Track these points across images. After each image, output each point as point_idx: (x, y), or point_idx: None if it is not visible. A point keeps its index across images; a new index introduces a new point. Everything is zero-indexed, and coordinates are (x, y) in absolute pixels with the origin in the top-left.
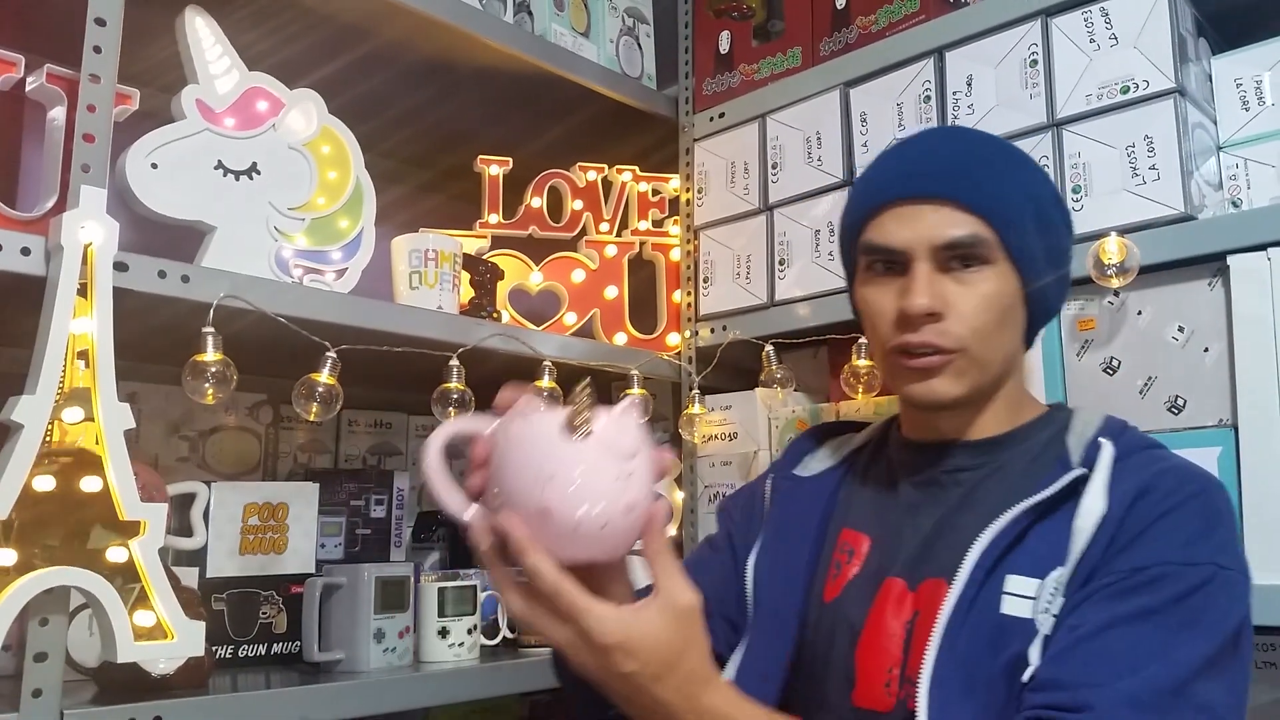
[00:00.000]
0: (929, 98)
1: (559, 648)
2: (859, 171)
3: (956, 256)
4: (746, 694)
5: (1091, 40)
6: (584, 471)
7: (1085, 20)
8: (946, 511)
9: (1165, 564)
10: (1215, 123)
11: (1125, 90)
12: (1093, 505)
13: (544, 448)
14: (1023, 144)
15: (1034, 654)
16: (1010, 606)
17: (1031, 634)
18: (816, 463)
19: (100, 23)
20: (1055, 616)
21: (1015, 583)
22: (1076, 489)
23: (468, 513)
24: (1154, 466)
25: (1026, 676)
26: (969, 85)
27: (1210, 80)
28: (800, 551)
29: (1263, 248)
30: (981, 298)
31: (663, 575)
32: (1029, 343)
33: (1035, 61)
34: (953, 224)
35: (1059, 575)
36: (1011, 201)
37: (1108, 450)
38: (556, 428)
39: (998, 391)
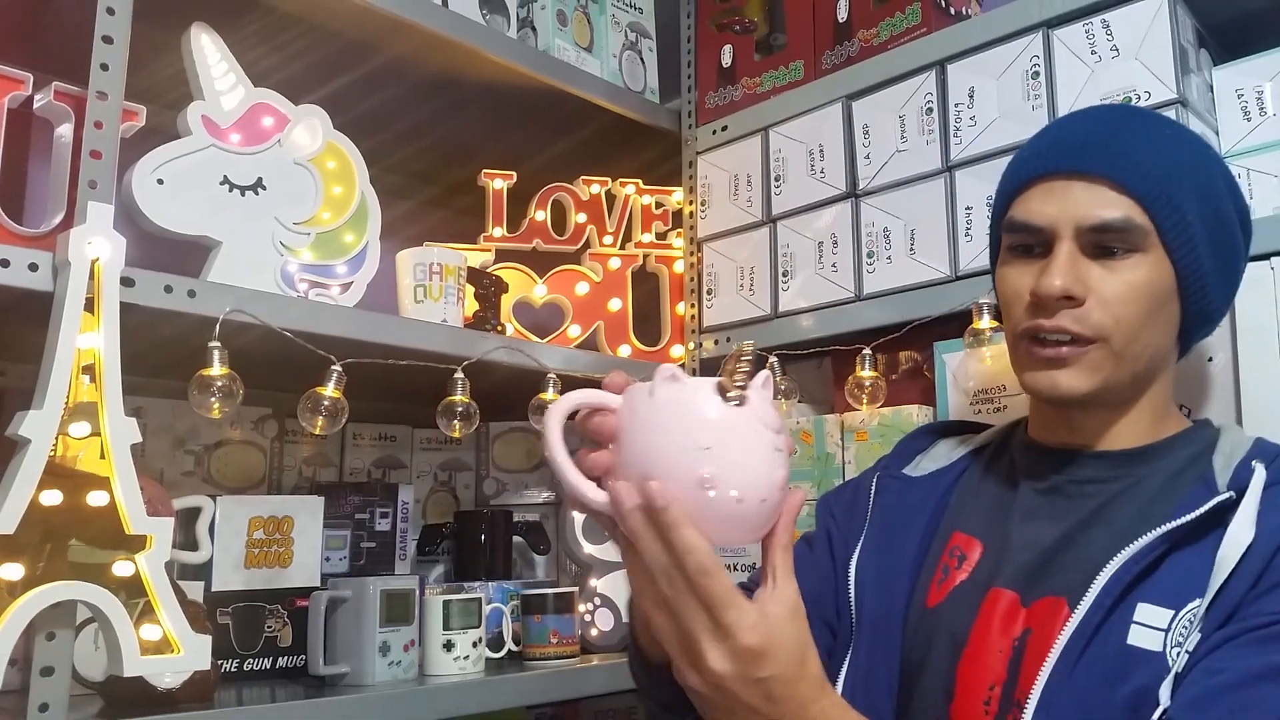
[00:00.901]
0: (931, 110)
1: (686, 645)
2: (861, 184)
3: (1105, 240)
4: (861, 706)
5: (1093, 52)
6: (745, 442)
7: (1086, 32)
8: (1072, 525)
9: None
10: (1217, 133)
11: (1127, 101)
12: (1239, 534)
13: (702, 413)
14: None
15: (1164, 693)
16: (1138, 637)
17: (1161, 669)
18: (929, 462)
19: (107, 40)
20: (1189, 653)
21: (1146, 612)
22: (1222, 515)
23: (598, 495)
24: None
25: (1155, 717)
26: (971, 97)
27: (1211, 91)
28: (906, 553)
29: (1266, 257)
30: (1129, 285)
31: (783, 570)
32: (1184, 349)
33: (1037, 73)
34: (1104, 204)
35: (1195, 607)
36: (1173, 185)
37: (1260, 475)
38: (712, 393)
39: (1140, 397)
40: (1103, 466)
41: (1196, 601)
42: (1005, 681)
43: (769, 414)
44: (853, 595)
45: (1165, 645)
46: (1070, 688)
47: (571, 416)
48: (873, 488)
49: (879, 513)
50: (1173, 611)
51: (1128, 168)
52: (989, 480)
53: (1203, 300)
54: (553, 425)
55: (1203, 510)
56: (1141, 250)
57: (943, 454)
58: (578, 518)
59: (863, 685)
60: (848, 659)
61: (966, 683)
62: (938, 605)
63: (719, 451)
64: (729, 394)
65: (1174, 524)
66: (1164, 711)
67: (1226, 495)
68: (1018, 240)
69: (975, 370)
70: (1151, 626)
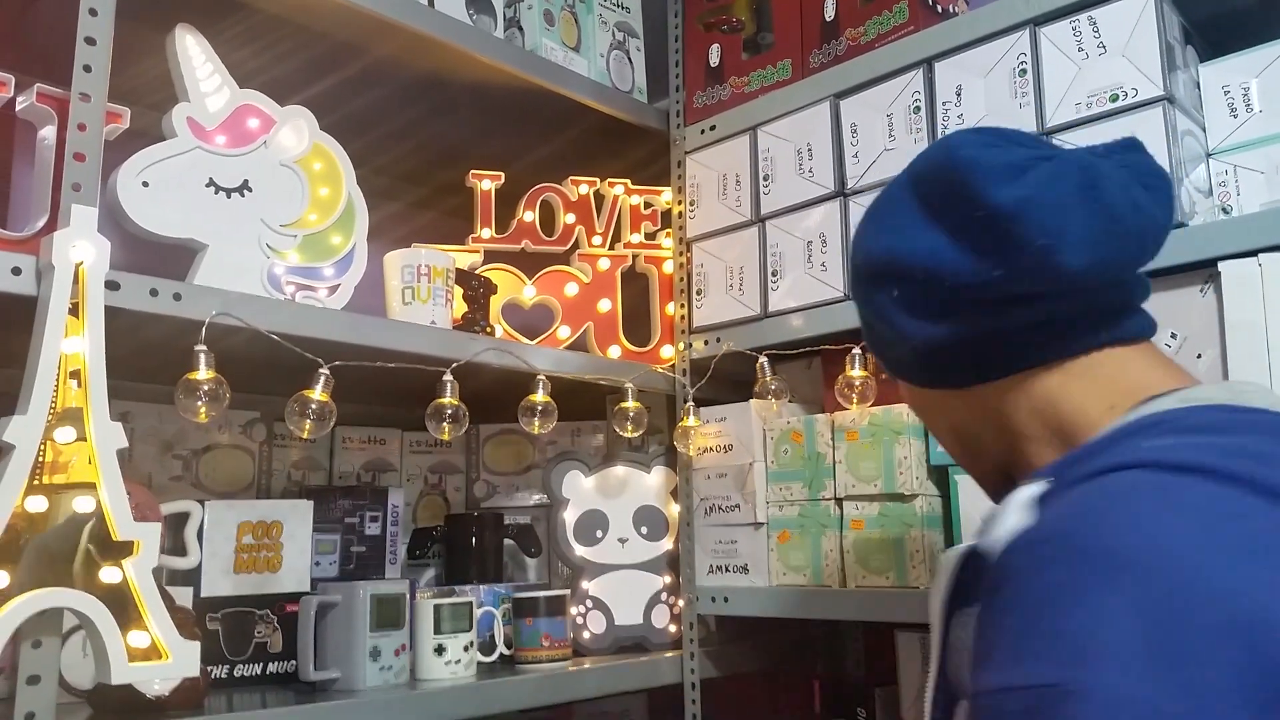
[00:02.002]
0: (919, 108)
1: None
2: (849, 183)
3: None
4: None
5: (1080, 49)
6: None
7: (1073, 29)
8: None
9: (981, 693)
10: (1204, 129)
11: (1114, 98)
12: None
13: None
14: None
15: None
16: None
17: None
18: None
19: (90, 42)
20: None
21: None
22: None
23: None
24: (1032, 514)
25: None
26: (958, 95)
27: (1198, 87)
28: None
29: (1254, 253)
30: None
31: None
32: (1007, 369)
33: (1024, 71)
34: None
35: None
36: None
37: (1010, 501)
38: None
39: (1018, 462)
40: None
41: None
42: None
43: None
44: None
45: None
46: None
47: None
48: None
49: None
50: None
51: None
52: None
53: (934, 354)
54: None
55: (946, 577)
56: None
57: None
58: (569, 520)
59: None
60: None
61: None
62: None
63: None
64: None
65: (944, 596)
66: None
67: (966, 547)
68: None
69: None
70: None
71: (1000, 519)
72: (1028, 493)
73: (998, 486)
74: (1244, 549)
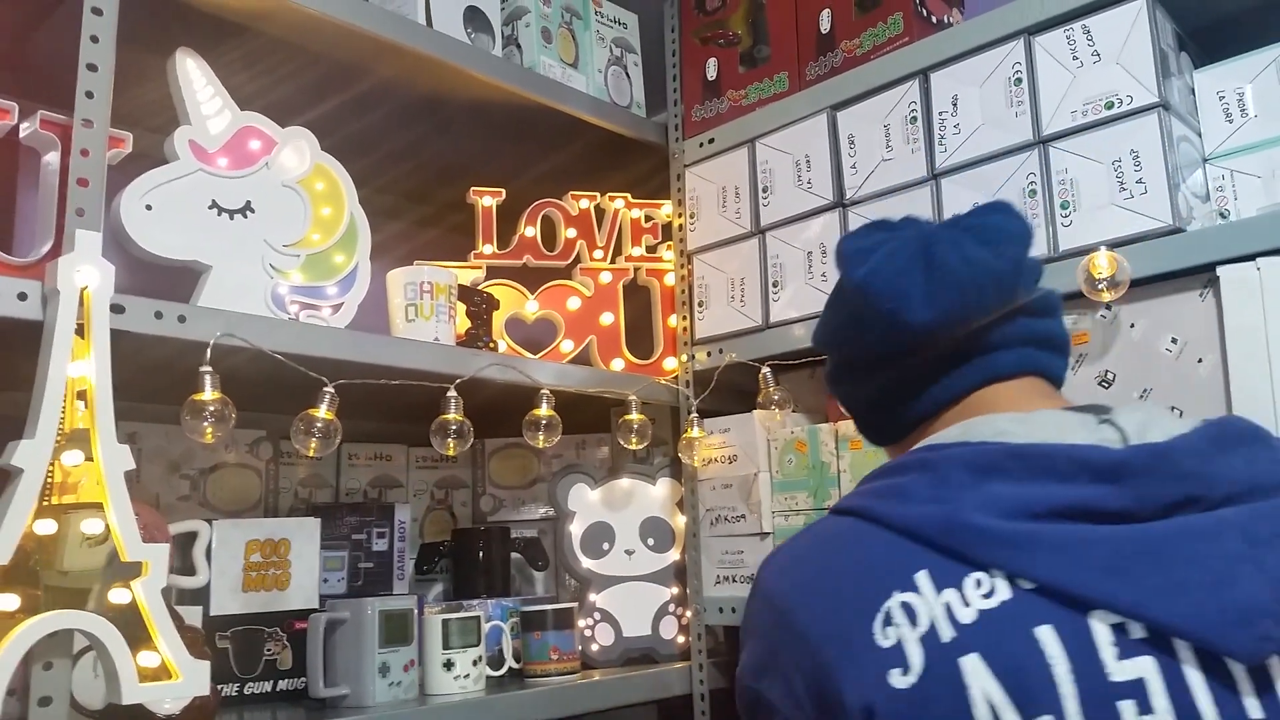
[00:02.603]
0: (915, 119)
1: None
2: (848, 194)
3: None
4: None
5: (1074, 57)
6: None
7: (1068, 38)
8: None
9: None
10: (1200, 135)
11: (1110, 106)
12: None
13: None
14: (1009, 162)
15: None
16: None
17: None
18: None
19: (92, 68)
20: None
21: None
22: None
23: None
24: None
25: None
26: (954, 105)
27: (1193, 94)
28: None
29: (1251, 258)
30: None
31: None
32: (905, 427)
33: (1020, 80)
34: None
35: None
36: None
37: None
38: None
39: None
40: None
41: None
42: None
43: None
44: None
45: None
46: None
47: None
48: None
49: None
50: None
51: None
52: None
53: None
54: None
55: None
56: None
57: None
58: (575, 532)
59: None
60: None
61: None
62: None
63: None
64: None
65: None
66: None
67: None
68: None
69: None
70: None
71: None
72: None
73: None
74: (829, 584)
